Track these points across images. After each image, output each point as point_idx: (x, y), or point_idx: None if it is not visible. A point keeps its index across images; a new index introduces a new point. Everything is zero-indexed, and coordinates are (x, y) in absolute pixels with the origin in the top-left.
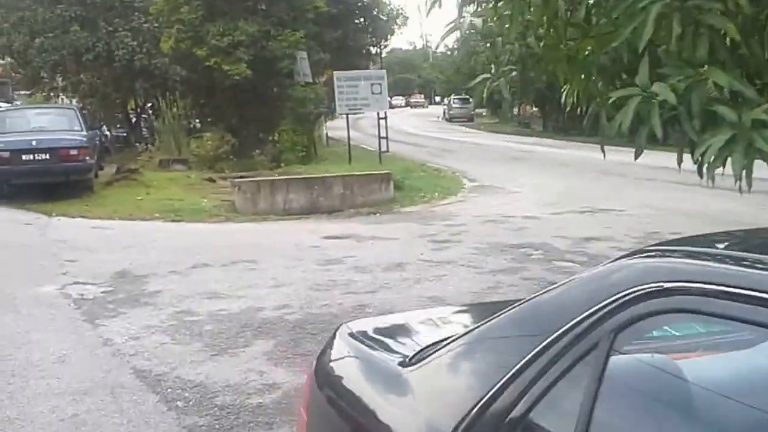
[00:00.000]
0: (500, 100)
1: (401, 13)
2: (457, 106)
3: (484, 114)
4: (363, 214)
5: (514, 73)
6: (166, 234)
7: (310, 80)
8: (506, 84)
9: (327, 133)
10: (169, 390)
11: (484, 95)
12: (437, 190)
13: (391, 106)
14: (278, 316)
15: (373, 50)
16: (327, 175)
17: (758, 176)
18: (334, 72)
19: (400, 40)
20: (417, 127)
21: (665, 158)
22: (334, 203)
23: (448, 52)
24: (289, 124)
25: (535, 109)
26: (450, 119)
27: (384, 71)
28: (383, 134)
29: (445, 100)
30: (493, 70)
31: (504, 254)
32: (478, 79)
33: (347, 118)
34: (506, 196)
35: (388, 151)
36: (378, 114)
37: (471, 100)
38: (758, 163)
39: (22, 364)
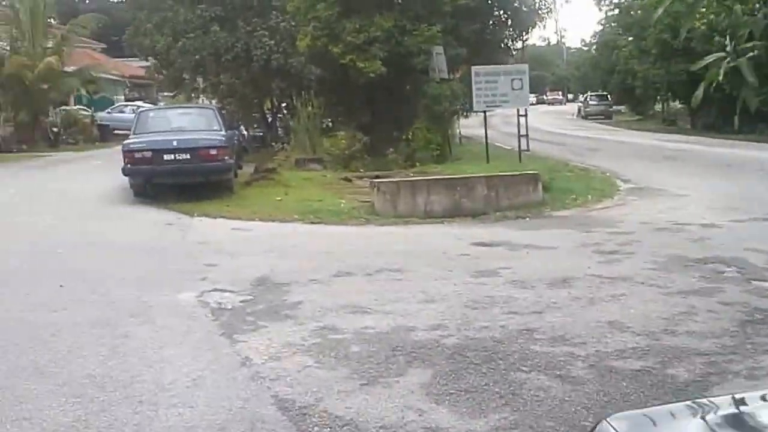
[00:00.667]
0: (642, 94)
1: (545, 4)
2: (594, 102)
3: (623, 111)
4: (510, 218)
5: (755, 52)
6: (306, 237)
7: (446, 76)
8: (748, 65)
9: (460, 132)
10: (316, 428)
11: (720, 77)
12: (590, 192)
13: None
14: (433, 338)
15: (512, 44)
16: (469, 175)
17: None
18: (472, 67)
19: (533, 36)
20: (553, 125)
21: None
22: (477, 206)
23: (585, 48)
24: (424, 122)
25: (680, 105)
26: (586, 116)
27: (526, 66)
28: (523, 132)
29: (581, 97)
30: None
31: (689, 270)
32: (709, 58)
33: (485, 115)
34: (672, 200)
35: (528, 149)
36: (518, 111)
37: (609, 96)
38: None
39: (152, 388)
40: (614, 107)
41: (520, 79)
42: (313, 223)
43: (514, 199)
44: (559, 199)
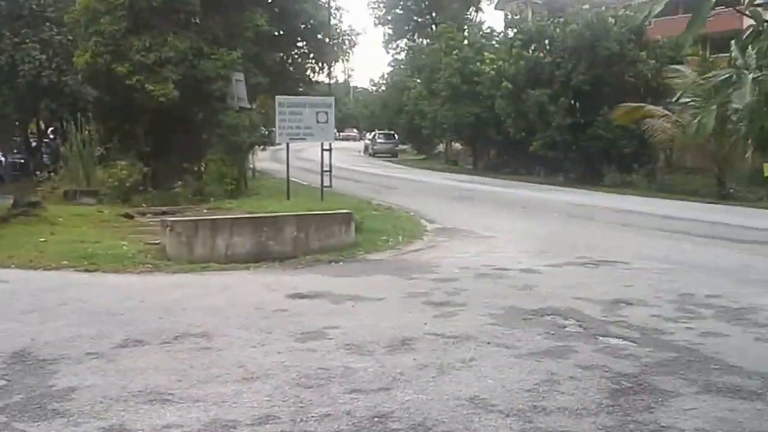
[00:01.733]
0: (429, 134)
1: (350, 38)
2: (382, 141)
3: (407, 150)
4: (323, 262)
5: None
6: (79, 290)
7: (246, 105)
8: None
9: (254, 165)
10: None
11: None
12: (399, 233)
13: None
14: None
15: (315, 77)
16: (278, 214)
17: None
18: (277, 96)
19: (324, 73)
20: (344, 161)
21: (613, 200)
22: (286, 248)
23: (374, 87)
24: (218, 153)
25: (457, 145)
26: (374, 154)
27: (332, 99)
28: (326, 168)
29: (368, 135)
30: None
31: (530, 325)
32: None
33: (287, 147)
34: (482, 242)
35: (330, 186)
36: (322, 145)
37: (396, 135)
38: None
39: None
40: (399, 146)
41: (326, 112)
42: (88, 271)
43: (325, 240)
44: (371, 240)
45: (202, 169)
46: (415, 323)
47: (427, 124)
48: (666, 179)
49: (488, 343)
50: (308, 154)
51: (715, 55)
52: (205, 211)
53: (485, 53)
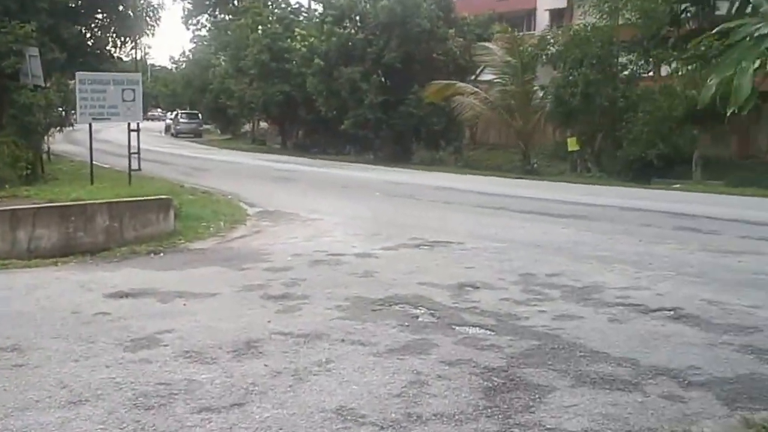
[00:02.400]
0: (234, 114)
1: (154, 11)
2: (185, 120)
3: (211, 129)
4: (142, 255)
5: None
6: None
7: (41, 83)
8: None
9: (49, 147)
10: None
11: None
12: (221, 218)
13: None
14: None
15: (118, 52)
16: (87, 201)
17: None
18: (77, 73)
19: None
20: (146, 142)
21: (429, 177)
22: (97, 240)
23: (174, 65)
24: (11, 135)
25: (264, 125)
26: (177, 134)
27: (139, 75)
28: (134, 150)
29: (169, 115)
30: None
31: (382, 317)
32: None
33: (90, 129)
34: (309, 226)
35: (140, 169)
36: (129, 126)
37: (200, 115)
38: None
39: None
40: (204, 126)
41: (133, 90)
42: None
43: (141, 230)
44: (191, 227)
45: None
46: (257, 322)
47: (235, 103)
48: (471, 156)
49: (342, 340)
50: (107, 135)
51: (521, 33)
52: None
53: (296, 29)
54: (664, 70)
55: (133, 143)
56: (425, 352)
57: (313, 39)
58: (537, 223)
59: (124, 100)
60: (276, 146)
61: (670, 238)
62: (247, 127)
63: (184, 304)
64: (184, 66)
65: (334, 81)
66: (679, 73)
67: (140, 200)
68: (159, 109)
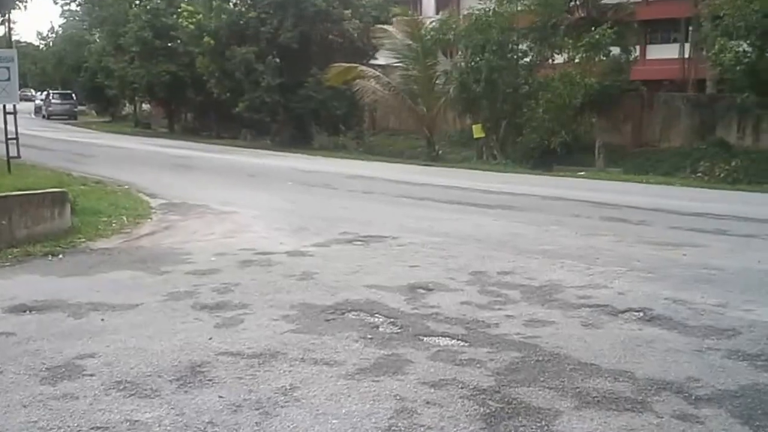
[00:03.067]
0: (114, 95)
1: None
2: (58, 101)
3: (86, 111)
4: (38, 257)
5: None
6: None
7: None
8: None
9: None
10: None
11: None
12: (122, 213)
13: None
14: None
15: None
16: None
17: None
18: None
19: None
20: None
21: (338, 164)
22: None
23: (42, 42)
24: None
25: (146, 107)
26: (48, 116)
27: (14, 51)
28: (13, 135)
29: (40, 95)
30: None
31: (338, 328)
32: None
33: None
34: (225, 220)
35: (19, 156)
36: (4, 108)
37: (74, 95)
38: None
39: None
40: (79, 107)
41: (7, 68)
42: None
43: (33, 227)
44: (90, 223)
45: None
46: (196, 339)
47: (114, 83)
48: (372, 141)
49: (302, 360)
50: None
51: (420, 16)
52: None
53: (181, 5)
54: (561, 57)
55: (10, 128)
56: (401, 371)
57: (200, 16)
58: (466, 214)
59: None
60: (162, 130)
61: (604, 230)
62: (129, 108)
63: (102, 320)
64: (53, 43)
65: (227, 61)
66: (576, 60)
67: (31, 194)
68: (32, 90)
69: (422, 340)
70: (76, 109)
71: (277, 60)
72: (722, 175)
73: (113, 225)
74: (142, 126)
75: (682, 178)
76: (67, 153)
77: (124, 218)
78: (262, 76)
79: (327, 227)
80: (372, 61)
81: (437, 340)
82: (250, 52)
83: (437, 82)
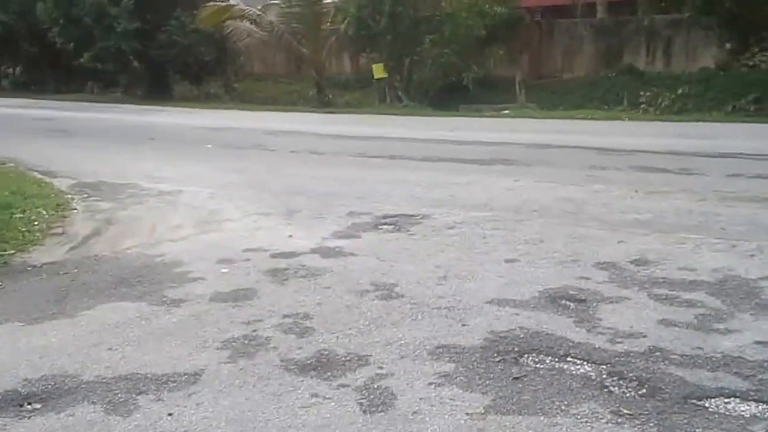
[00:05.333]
0: None
1: None
2: None
3: None
4: None
5: None
6: None
7: None
8: None
9: None
10: None
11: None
12: (34, 203)
13: None
14: None
15: None
16: None
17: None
18: None
19: None
20: None
21: (235, 117)
22: None
23: None
24: None
25: None
26: None
27: None
28: None
29: None
30: None
31: (549, 397)
32: None
33: None
34: (173, 204)
35: None
36: None
37: None
38: None
39: None
40: None
41: None
42: None
43: None
44: (3, 223)
45: None
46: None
47: None
48: (238, 88)
49: None
50: None
51: None
52: None
53: None
54: None
55: None
56: None
57: None
58: (469, 174)
59: None
60: None
61: (660, 184)
62: None
63: (170, 414)
64: None
65: (74, 6)
66: None
67: None
68: None
69: (705, 408)
70: None
71: (132, 1)
72: (665, 104)
73: (35, 223)
74: None
75: (621, 110)
76: None
77: (43, 211)
78: (117, 21)
79: (321, 206)
80: None
81: (729, 406)
82: None
83: (323, 19)
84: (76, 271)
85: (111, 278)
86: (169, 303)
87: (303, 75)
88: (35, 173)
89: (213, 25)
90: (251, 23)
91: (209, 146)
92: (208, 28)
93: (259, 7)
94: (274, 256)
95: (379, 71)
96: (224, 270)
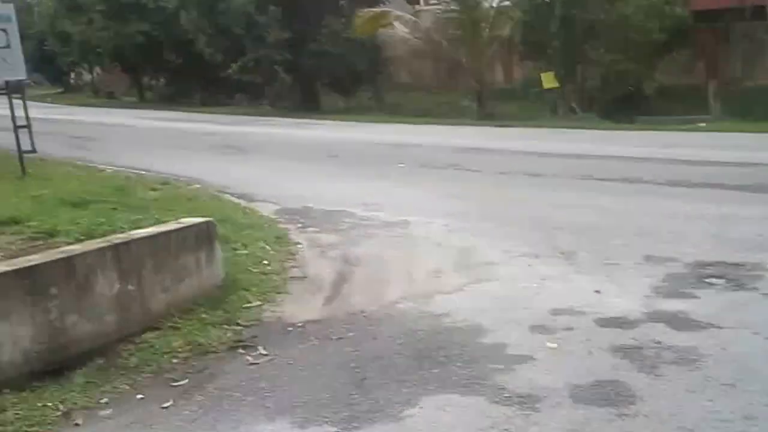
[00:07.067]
0: (72, 62)
1: None
2: None
3: (32, 83)
4: (220, 353)
5: None
6: None
7: None
8: None
9: None
10: None
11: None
12: (253, 237)
13: None
14: None
15: None
16: (75, 247)
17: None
18: None
19: None
20: None
21: (417, 133)
22: (101, 327)
23: None
24: None
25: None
26: None
27: (11, 7)
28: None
29: None
30: None
31: None
32: None
33: None
34: (412, 239)
35: (35, 151)
36: (7, 83)
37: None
38: None
39: None
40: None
41: (4, 30)
42: None
43: (174, 288)
44: (232, 264)
45: None
46: None
47: (73, 48)
48: (388, 99)
49: None
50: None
51: None
52: None
53: None
54: None
55: (19, 112)
56: None
57: None
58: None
59: None
60: (129, 99)
61: None
62: (83, 77)
63: None
64: None
65: (221, 15)
66: None
67: (165, 231)
68: None
69: None
70: (27, 81)
71: (282, 9)
72: None
73: (264, 262)
74: (105, 95)
75: None
76: (58, 135)
77: (266, 246)
78: (266, 30)
79: (598, 246)
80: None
81: None
82: (249, 2)
83: (483, 25)
84: (352, 335)
85: (404, 350)
86: (517, 402)
87: (455, 84)
88: (227, 195)
89: (369, 33)
90: (407, 31)
91: (402, 165)
92: (361, 37)
93: (412, 13)
94: (601, 324)
95: (549, 80)
96: (551, 345)
